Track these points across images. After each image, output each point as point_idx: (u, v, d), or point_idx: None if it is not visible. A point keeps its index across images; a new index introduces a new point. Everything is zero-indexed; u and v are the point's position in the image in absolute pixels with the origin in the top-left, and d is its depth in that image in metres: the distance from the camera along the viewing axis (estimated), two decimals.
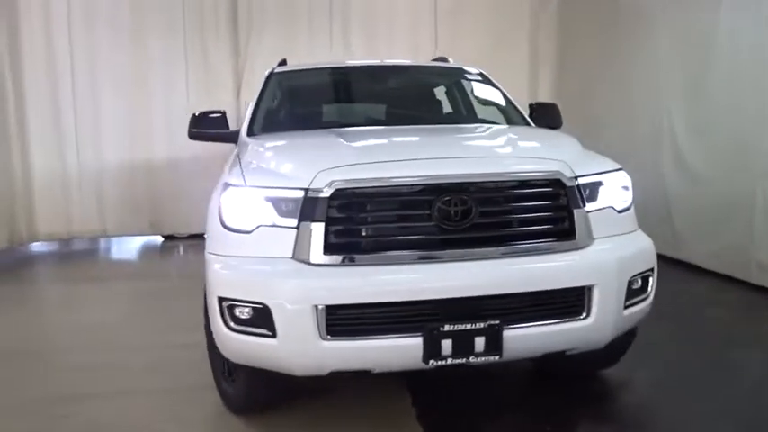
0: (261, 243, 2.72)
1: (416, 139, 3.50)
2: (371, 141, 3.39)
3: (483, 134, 3.79)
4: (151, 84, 8.55)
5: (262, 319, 2.61)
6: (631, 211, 3.11)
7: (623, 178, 3.10)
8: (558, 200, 2.81)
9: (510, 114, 4.21)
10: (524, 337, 2.70)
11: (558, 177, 2.80)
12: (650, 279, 3.01)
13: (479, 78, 4.53)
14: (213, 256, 2.84)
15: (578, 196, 2.84)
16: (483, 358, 2.65)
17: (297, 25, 8.84)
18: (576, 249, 2.79)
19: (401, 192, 2.72)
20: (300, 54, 8.78)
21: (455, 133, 3.78)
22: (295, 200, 2.68)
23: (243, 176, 2.87)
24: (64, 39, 8.34)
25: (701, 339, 4.27)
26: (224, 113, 4.07)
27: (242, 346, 2.72)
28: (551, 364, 3.47)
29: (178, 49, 8.58)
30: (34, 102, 8.28)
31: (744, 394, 3.41)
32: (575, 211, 2.80)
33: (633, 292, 2.90)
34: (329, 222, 2.64)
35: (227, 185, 2.87)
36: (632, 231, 3.09)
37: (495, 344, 2.63)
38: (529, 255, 2.75)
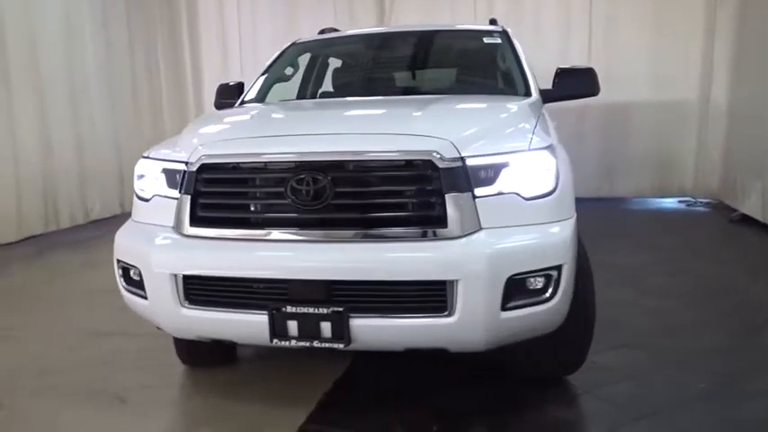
0: (154, 211, 2.90)
1: (327, 112, 3.37)
2: (281, 115, 3.36)
3: (408, 107, 3.36)
4: None
5: (139, 281, 2.83)
6: (552, 197, 2.62)
7: (543, 159, 2.64)
8: (426, 183, 2.53)
9: (508, 81, 3.76)
10: (375, 329, 2.53)
11: (428, 158, 2.52)
12: (553, 279, 2.57)
13: (498, 41, 4.07)
14: (128, 221, 3.11)
15: (462, 179, 2.52)
16: (328, 344, 2.56)
17: None
18: (449, 239, 2.50)
19: (261, 168, 2.69)
20: (444, 17, 8.68)
21: (389, 106, 3.47)
22: (179, 172, 2.81)
23: (155, 148, 3.08)
24: (233, 9, 9.34)
25: None
26: (241, 84, 4.27)
27: (133, 304, 2.98)
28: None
29: (327, 10, 9.07)
30: (209, 71, 9.48)
31: None
32: (448, 196, 2.49)
33: (521, 293, 2.52)
34: (195, 195, 2.72)
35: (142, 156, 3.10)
36: (549, 222, 2.63)
37: (339, 331, 2.52)
38: (388, 241, 2.53)
